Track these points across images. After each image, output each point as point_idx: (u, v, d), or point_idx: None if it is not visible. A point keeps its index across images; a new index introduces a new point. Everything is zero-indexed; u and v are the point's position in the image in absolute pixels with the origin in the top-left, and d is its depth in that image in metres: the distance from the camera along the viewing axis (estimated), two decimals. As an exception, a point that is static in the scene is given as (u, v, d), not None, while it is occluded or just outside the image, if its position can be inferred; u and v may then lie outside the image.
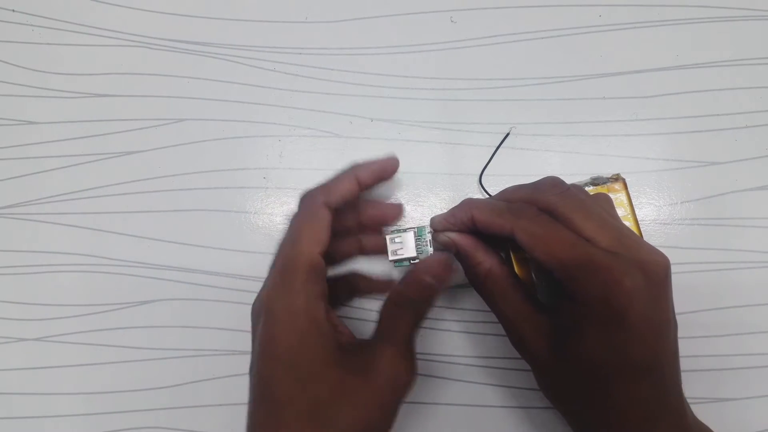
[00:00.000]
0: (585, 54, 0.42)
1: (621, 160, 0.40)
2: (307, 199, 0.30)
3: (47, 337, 0.40)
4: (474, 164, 0.40)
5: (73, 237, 0.41)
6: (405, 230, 0.32)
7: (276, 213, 0.41)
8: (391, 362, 0.27)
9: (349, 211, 0.34)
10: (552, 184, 0.31)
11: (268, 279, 0.29)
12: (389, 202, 0.35)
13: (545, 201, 0.29)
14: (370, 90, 0.41)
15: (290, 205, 0.41)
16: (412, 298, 0.30)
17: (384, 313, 0.30)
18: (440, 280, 0.30)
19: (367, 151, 0.41)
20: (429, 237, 0.32)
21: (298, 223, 0.29)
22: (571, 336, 0.27)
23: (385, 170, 0.32)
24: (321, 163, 0.41)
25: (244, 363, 0.40)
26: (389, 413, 0.27)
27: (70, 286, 0.40)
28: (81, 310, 0.40)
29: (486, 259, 0.31)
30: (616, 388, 0.27)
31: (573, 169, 0.40)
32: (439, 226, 0.32)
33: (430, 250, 0.32)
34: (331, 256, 0.33)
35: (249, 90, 0.42)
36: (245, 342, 0.40)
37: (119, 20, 0.43)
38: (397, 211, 0.35)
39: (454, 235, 0.32)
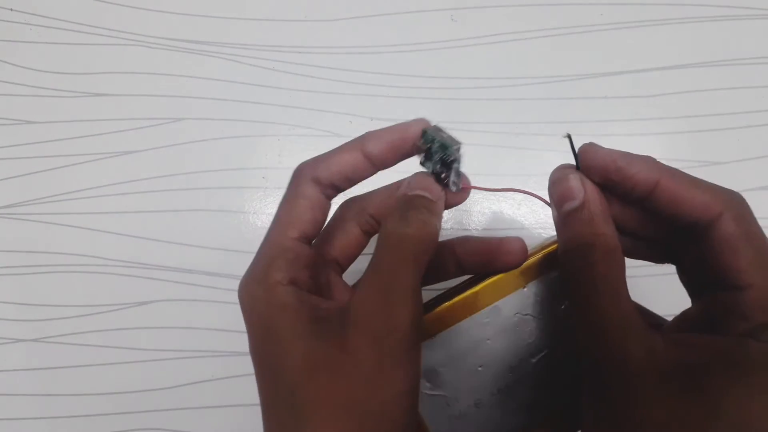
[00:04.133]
0: (586, 53, 0.41)
1: (622, 159, 0.40)
2: (295, 174, 0.26)
3: (45, 337, 0.40)
4: (474, 164, 0.40)
5: (72, 237, 0.40)
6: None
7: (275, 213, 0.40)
8: (367, 312, 0.21)
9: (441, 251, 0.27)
10: None
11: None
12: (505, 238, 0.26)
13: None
14: (369, 89, 0.41)
15: (290, 205, 0.40)
16: (392, 216, 0.23)
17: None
18: (432, 193, 0.24)
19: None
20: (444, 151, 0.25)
21: (280, 204, 0.26)
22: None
23: (404, 139, 0.25)
24: (321, 162, 0.41)
25: (244, 364, 0.40)
26: (380, 380, 0.20)
27: (68, 287, 0.40)
28: (79, 310, 0.40)
29: (611, 232, 0.23)
30: None
31: (574, 168, 0.40)
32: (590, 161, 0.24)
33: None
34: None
35: (248, 89, 0.41)
36: (244, 343, 0.40)
37: (118, 19, 0.43)
38: (520, 253, 0.26)
39: (588, 185, 0.24)
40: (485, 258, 0.26)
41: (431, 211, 0.24)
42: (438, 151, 0.25)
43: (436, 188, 0.25)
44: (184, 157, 0.41)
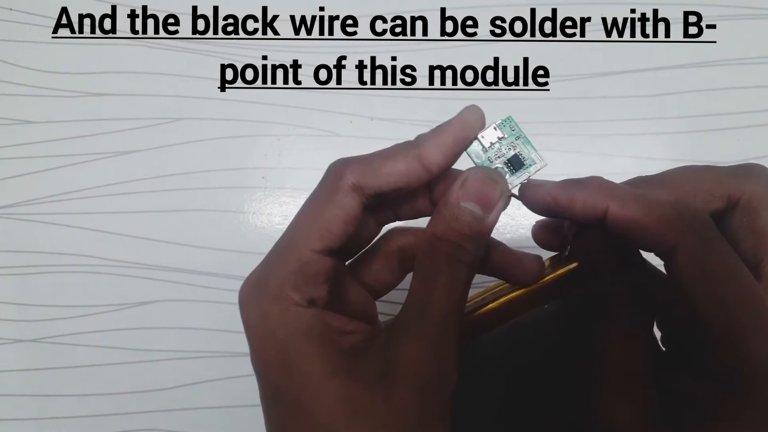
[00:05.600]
0: (586, 52, 0.41)
1: (623, 159, 0.40)
2: (333, 174, 0.22)
3: (44, 338, 0.40)
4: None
5: (71, 237, 0.40)
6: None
7: (275, 213, 0.40)
8: (417, 364, 0.20)
9: None
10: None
11: (258, 265, 0.23)
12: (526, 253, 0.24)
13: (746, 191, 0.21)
14: (370, 89, 0.41)
15: (289, 205, 0.40)
16: (440, 250, 0.20)
17: (412, 286, 0.21)
18: (486, 206, 0.21)
19: (368, 150, 0.40)
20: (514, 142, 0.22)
21: (307, 204, 0.22)
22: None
23: (466, 138, 0.22)
24: (321, 162, 0.40)
25: (243, 365, 0.40)
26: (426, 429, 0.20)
27: (67, 287, 0.40)
28: (79, 310, 0.40)
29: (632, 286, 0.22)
30: None
31: (575, 169, 0.40)
32: (542, 204, 0.22)
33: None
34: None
35: (248, 89, 0.41)
36: (244, 344, 0.40)
37: (118, 20, 0.42)
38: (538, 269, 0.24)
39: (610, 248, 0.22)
40: (503, 270, 0.24)
41: (480, 242, 0.21)
42: (515, 147, 0.22)
43: (495, 195, 0.21)
44: (183, 157, 0.41)
